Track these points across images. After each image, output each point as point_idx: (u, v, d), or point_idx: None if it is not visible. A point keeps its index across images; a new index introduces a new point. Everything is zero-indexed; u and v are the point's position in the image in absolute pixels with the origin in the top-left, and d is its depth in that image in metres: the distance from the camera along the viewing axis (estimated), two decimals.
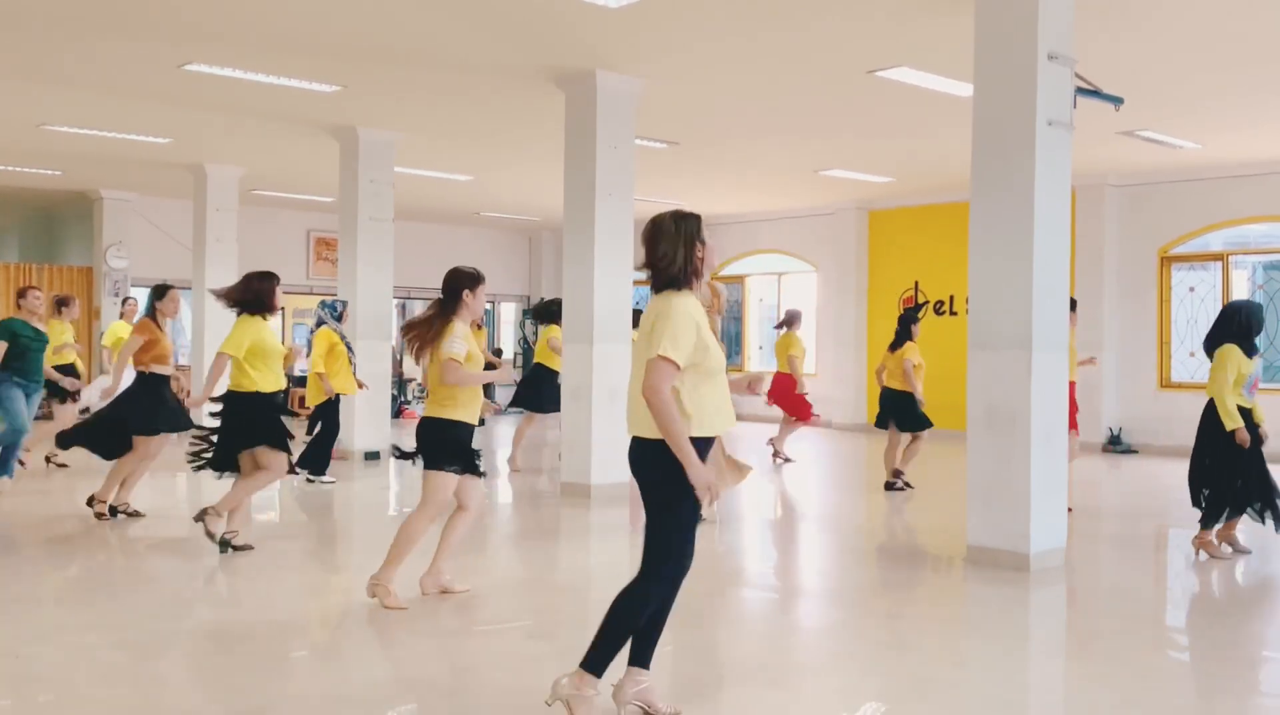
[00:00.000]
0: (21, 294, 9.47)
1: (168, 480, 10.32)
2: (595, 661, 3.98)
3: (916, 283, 16.98)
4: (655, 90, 10.00)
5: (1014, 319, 6.92)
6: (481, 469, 5.96)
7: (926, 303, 16.86)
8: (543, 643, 5.30)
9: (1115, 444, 14.49)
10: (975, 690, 4.68)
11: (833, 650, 5.33)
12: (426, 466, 5.77)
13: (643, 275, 4.13)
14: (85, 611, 5.86)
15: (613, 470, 9.57)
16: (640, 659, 4.11)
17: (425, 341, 5.72)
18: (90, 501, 8.37)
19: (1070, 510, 8.60)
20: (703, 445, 3.90)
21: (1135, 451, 14.40)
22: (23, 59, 9.47)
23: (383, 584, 5.76)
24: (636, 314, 12.18)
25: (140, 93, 10.62)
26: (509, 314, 22.71)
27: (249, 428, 7.15)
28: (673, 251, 3.94)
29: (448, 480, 5.77)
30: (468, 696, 4.51)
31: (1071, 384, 8.65)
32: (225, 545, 7.06)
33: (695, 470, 3.79)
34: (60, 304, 11.26)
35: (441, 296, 5.83)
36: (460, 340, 5.66)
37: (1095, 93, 7.73)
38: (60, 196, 17.93)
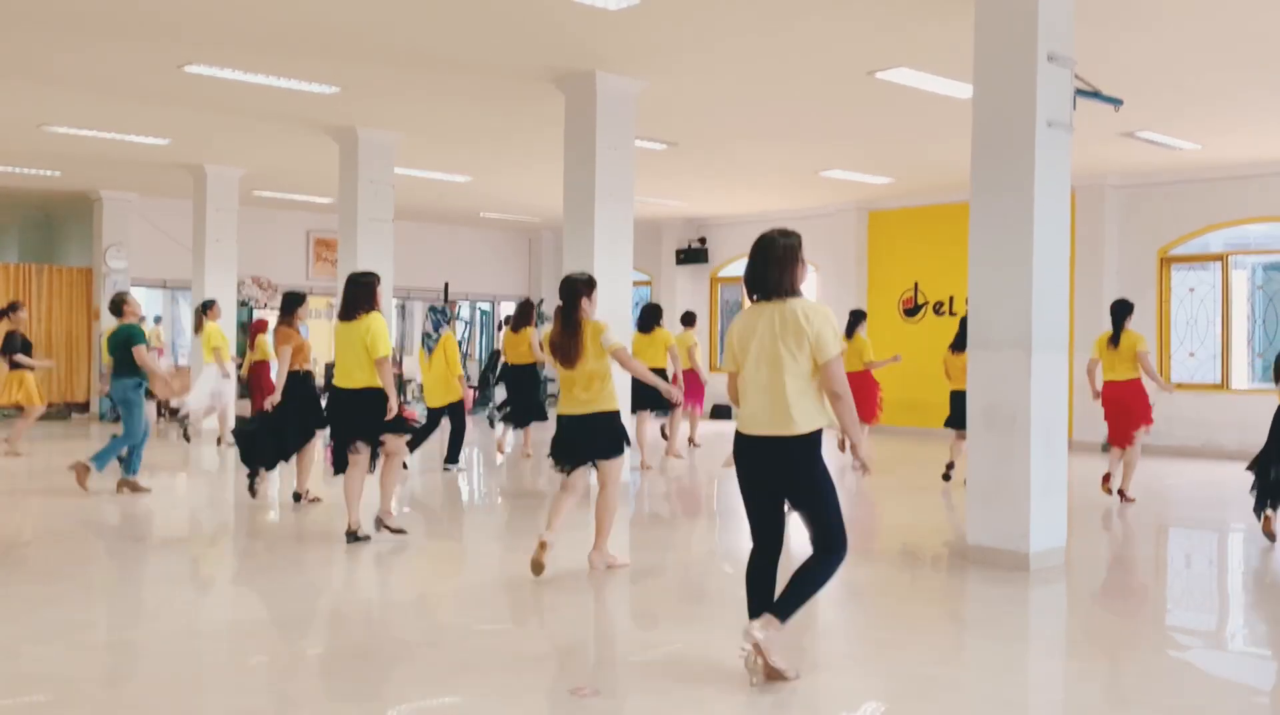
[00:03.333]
0: (124, 300, 9.82)
1: (167, 480, 10.33)
2: (786, 613, 4.53)
3: (916, 283, 16.98)
4: (655, 91, 10.01)
5: (1014, 319, 6.92)
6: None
7: (926, 303, 16.87)
8: (542, 642, 5.30)
9: None
10: (975, 690, 4.69)
11: (832, 650, 5.33)
12: (610, 456, 6.47)
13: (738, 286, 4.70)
14: (86, 611, 5.87)
15: None
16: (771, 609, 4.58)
17: (573, 349, 6.27)
18: (297, 497, 9.02)
19: (1134, 499, 9.57)
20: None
21: None
22: (23, 59, 9.47)
23: (605, 554, 6.62)
24: (652, 311, 12.43)
25: (140, 93, 10.62)
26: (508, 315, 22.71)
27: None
28: (782, 269, 4.55)
29: (624, 461, 6.60)
30: (469, 696, 4.51)
31: (1137, 381, 9.48)
32: (352, 536, 7.46)
33: (867, 447, 4.49)
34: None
35: (561, 304, 6.36)
36: (614, 329, 6.40)
37: (1095, 94, 7.74)
38: (60, 197, 17.93)
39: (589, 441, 6.46)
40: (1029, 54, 6.82)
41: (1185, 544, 8.63)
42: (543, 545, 6.29)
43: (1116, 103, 7.99)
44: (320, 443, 9.17)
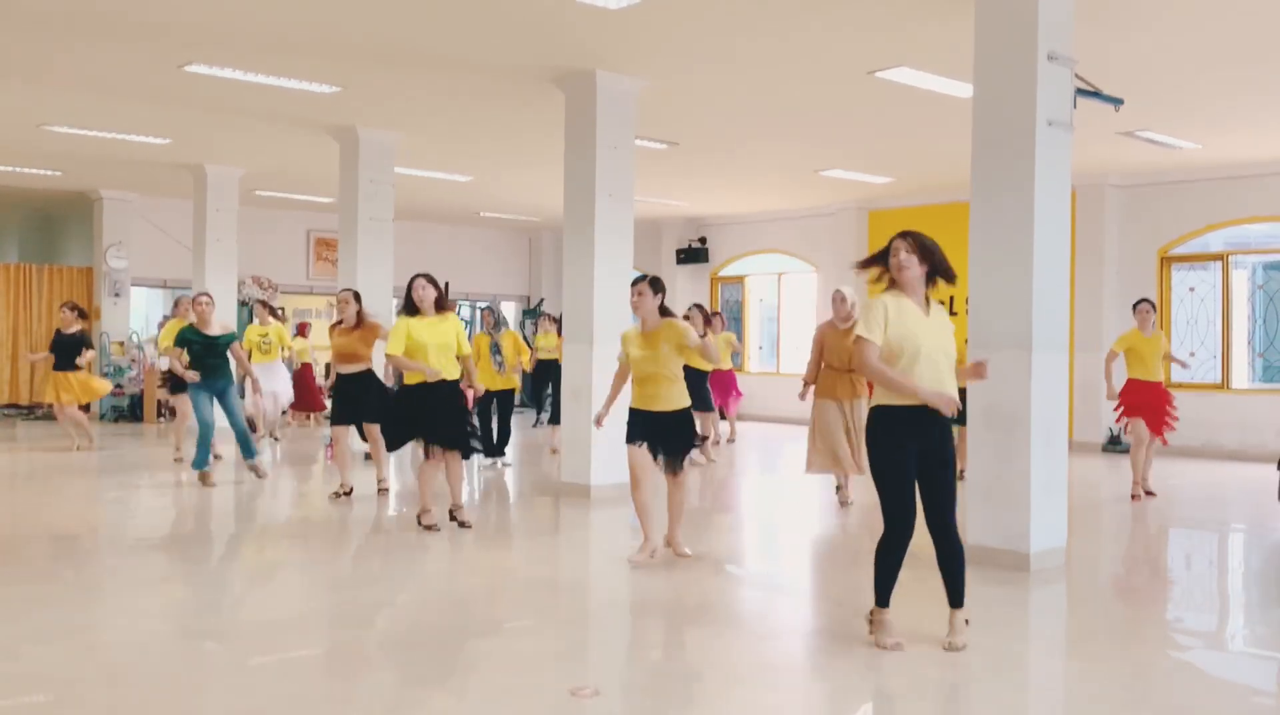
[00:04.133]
0: (194, 302, 10.09)
1: (168, 477, 10.33)
2: (883, 597, 5.17)
3: None
4: (655, 90, 10.00)
5: (1014, 319, 6.93)
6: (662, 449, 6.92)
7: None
8: (542, 643, 5.30)
9: (1115, 444, 14.48)
10: (975, 690, 4.69)
11: (832, 650, 5.32)
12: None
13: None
14: (86, 611, 5.87)
15: (612, 470, 9.56)
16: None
17: None
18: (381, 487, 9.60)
19: (1154, 494, 10.05)
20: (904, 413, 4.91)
21: None
22: (23, 59, 9.47)
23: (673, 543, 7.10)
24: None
25: (140, 93, 10.62)
26: (508, 314, 22.71)
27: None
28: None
29: (630, 452, 6.84)
30: (469, 696, 4.52)
31: (1159, 384, 9.79)
32: (462, 523, 8.09)
33: (926, 392, 4.92)
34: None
35: None
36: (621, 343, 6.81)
37: (1095, 93, 7.74)
38: (60, 196, 17.93)
39: None
40: (1029, 53, 6.82)
41: (1185, 544, 8.63)
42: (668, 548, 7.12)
43: (1117, 102, 7.98)
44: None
